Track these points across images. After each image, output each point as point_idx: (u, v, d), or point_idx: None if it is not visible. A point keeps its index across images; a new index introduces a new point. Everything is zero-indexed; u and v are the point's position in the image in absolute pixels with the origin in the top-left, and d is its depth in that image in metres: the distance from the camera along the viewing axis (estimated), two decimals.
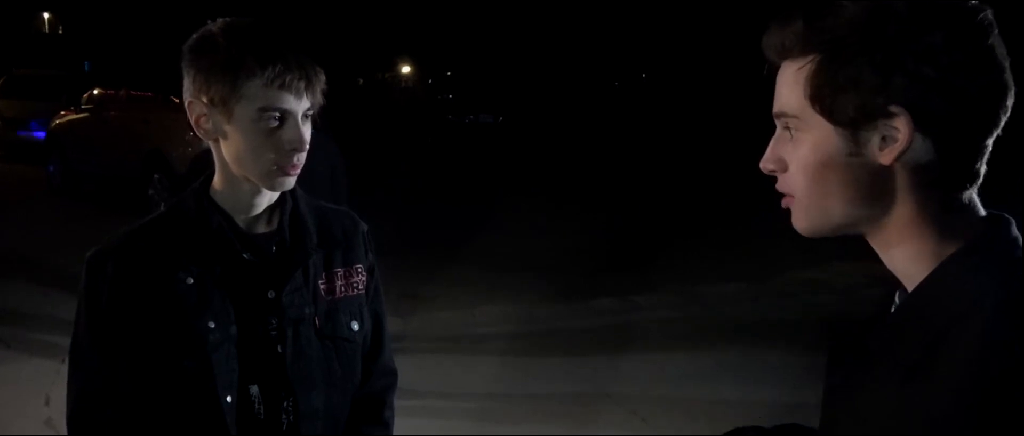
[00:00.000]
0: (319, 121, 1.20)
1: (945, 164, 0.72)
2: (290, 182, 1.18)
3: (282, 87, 1.12)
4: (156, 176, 7.22)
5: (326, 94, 1.19)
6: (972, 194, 0.75)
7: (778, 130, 0.79)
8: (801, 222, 0.78)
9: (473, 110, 22.32)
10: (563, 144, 15.61)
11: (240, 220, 1.21)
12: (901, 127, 0.70)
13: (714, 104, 20.71)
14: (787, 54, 0.76)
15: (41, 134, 10.22)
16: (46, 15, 28.84)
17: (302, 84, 1.13)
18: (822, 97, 0.73)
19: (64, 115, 9.29)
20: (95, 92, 8.95)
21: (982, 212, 0.75)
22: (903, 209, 0.74)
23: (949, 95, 0.70)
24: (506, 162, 12.99)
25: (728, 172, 11.19)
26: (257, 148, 1.14)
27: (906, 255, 0.75)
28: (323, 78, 1.17)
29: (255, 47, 1.12)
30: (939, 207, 0.73)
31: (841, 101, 0.72)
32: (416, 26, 27.67)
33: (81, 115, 8.86)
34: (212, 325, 1.16)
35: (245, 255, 1.19)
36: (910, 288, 0.75)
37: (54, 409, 3.35)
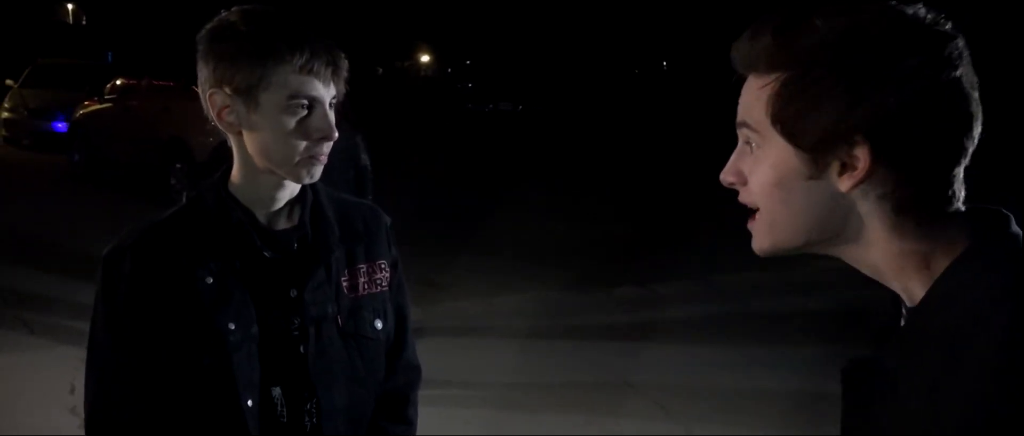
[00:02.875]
0: (345, 111, 1.18)
1: (910, 193, 0.70)
2: (317, 172, 1.15)
3: (310, 73, 1.09)
4: (177, 165, 7.27)
5: (348, 83, 1.16)
6: (955, 206, 0.71)
7: (740, 142, 0.76)
8: (762, 242, 0.75)
9: (493, 99, 22.28)
10: (583, 132, 15.54)
11: (261, 215, 1.17)
12: (861, 156, 0.68)
13: (732, 93, 20.46)
14: (753, 68, 0.73)
15: (64, 126, 10.32)
16: (70, 5, 29.14)
17: (330, 71, 1.11)
18: (784, 118, 0.71)
19: (87, 105, 9.40)
20: (118, 82, 9.04)
21: (970, 214, 0.72)
22: (872, 233, 0.71)
23: (914, 125, 0.67)
24: (526, 150, 12.95)
25: None
26: (285, 137, 1.11)
27: (893, 273, 0.72)
28: (346, 65, 1.14)
29: (283, 33, 1.09)
30: (914, 227, 0.71)
31: (802, 124, 0.70)
32: (435, 15, 27.64)
33: (104, 105, 8.96)
34: (232, 326, 1.13)
35: (266, 252, 1.16)
36: (911, 301, 0.73)
37: (79, 397, 3.35)
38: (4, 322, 4.47)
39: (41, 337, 4.28)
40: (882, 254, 0.72)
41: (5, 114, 12.39)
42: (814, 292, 5.25)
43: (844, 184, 0.70)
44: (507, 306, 4.99)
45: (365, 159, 3.63)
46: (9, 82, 13.09)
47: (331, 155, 1.16)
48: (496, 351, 4.28)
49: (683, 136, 14.72)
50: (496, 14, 27.42)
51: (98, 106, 9.10)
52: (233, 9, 1.14)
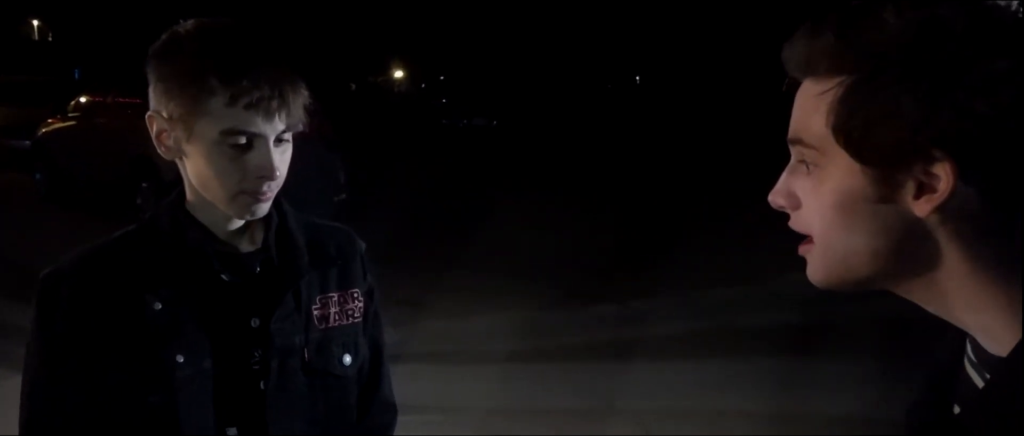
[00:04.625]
0: (323, 131, 1.07)
1: (998, 218, 0.59)
2: (260, 210, 1.04)
3: (249, 107, 0.97)
4: (144, 184, 7.09)
5: (311, 109, 1.06)
6: None
7: (793, 159, 0.66)
8: (817, 273, 0.66)
9: (467, 113, 22.24)
10: (558, 147, 15.55)
11: (220, 236, 1.07)
12: (943, 174, 0.58)
13: (707, 106, 20.75)
14: (811, 71, 0.63)
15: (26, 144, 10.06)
16: (36, 22, 28.66)
17: (274, 104, 0.98)
18: (849, 129, 0.60)
19: (51, 123, 9.18)
20: (82, 99, 8.83)
21: None
22: (951, 264, 0.61)
23: (1006, 139, 0.57)
24: (501, 165, 12.90)
25: (724, 173, 11.19)
26: (220, 173, 1.00)
27: (969, 308, 0.62)
28: (304, 95, 1.03)
29: (220, 59, 0.97)
30: (999, 257, 0.61)
31: (872, 136, 0.59)
32: (409, 30, 27.63)
33: (68, 123, 8.76)
34: (181, 359, 1.02)
35: (224, 276, 1.06)
36: (991, 344, 0.62)
37: None
38: None
39: (6, 364, 4.09)
40: (959, 290, 0.62)
41: None
42: (795, 306, 5.21)
43: (921, 208, 0.59)
44: (485, 326, 4.89)
45: (342, 178, 3.53)
46: None
47: (308, 174, 1.07)
48: (474, 374, 4.18)
49: (657, 150, 14.78)
50: (470, 30, 27.47)
51: (62, 123, 8.89)
52: (190, 21, 1.03)
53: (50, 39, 28.03)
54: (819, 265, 0.65)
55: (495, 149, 15.87)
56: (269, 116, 0.99)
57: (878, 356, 4.09)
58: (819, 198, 0.63)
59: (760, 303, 5.37)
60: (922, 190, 0.59)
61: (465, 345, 4.59)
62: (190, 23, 1.03)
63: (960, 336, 0.66)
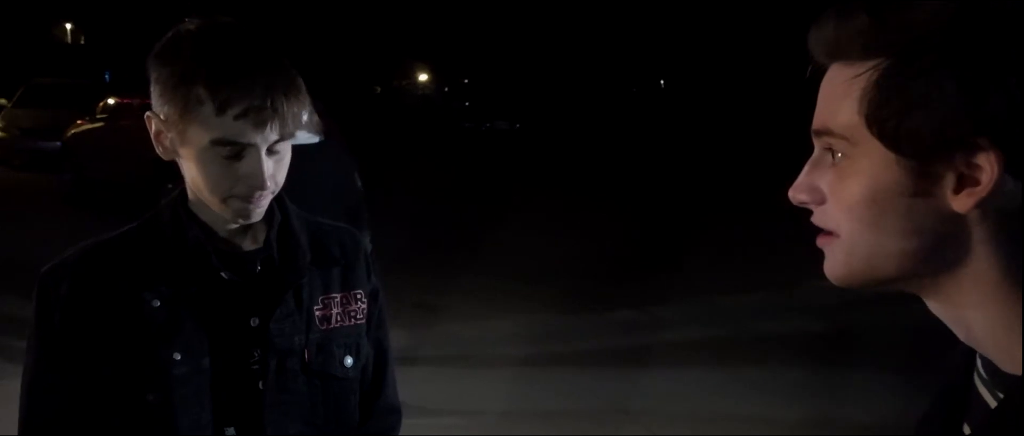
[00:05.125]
0: (332, 132, 1.05)
1: None
2: (256, 213, 1.03)
3: (239, 117, 0.95)
4: (169, 185, 7.16)
5: (318, 116, 1.03)
6: None
7: (816, 151, 0.62)
8: (837, 270, 0.61)
9: (490, 117, 22.29)
10: (580, 151, 15.51)
11: (221, 234, 1.06)
12: (986, 165, 0.54)
13: (732, 110, 20.59)
14: (841, 54, 0.59)
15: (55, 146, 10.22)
16: (69, 25, 29.20)
17: (266, 114, 0.96)
18: (883, 116, 0.56)
19: (79, 124, 9.35)
20: (110, 102, 8.98)
21: None
22: (980, 266, 0.57)
23: None
24: (522, 169, 12.89)
25: (746, 178, 11.08)
26: (211, 179, 1.00)
27: (987, 320, 0.58)
28: (303, 102, 1.01)
29: (210, 67, 0.95)
30: None
31: (910, 123, 0.55)
32: (433, 34, 27.76)
33: (95, 125, 8.91)
34: (178, 357, 1.02)
35: (224, 274, 1.04)
36: (1003, 360, 0.58)
37: None
38: None
39: (18, 364, 4.14)
40: (984, 297, 0.57)
41: None
42: (813, 314, 5.14)
43: (961, 202, 0.55)
44: (502, 330, 4.87)
45: (358, 182, 3.47)
46: (2, 101, 13.02)
47: (317, 178, 1.05)
48: (490, 378, 4.15)
49: (681, 154, 14.69)
50: (494, 34, 27.54)
51: (89, 125, 9.04)
52: (193, 21, 1.02)
53: (82, 42, 28.54)
54: (840, 262, 0.61)
55: (516, 153, 15.87)
56: (260, 126, 0.96)
57: (901, 365, 4.00)
58: (847, 192, 0.59)
59: (780, 310, 5.30)
60: (963, 183, 0.55)
61: (480, 348, 4.57)
62: (191, 23, 1.02)
63: (969, 348, 0.62)
